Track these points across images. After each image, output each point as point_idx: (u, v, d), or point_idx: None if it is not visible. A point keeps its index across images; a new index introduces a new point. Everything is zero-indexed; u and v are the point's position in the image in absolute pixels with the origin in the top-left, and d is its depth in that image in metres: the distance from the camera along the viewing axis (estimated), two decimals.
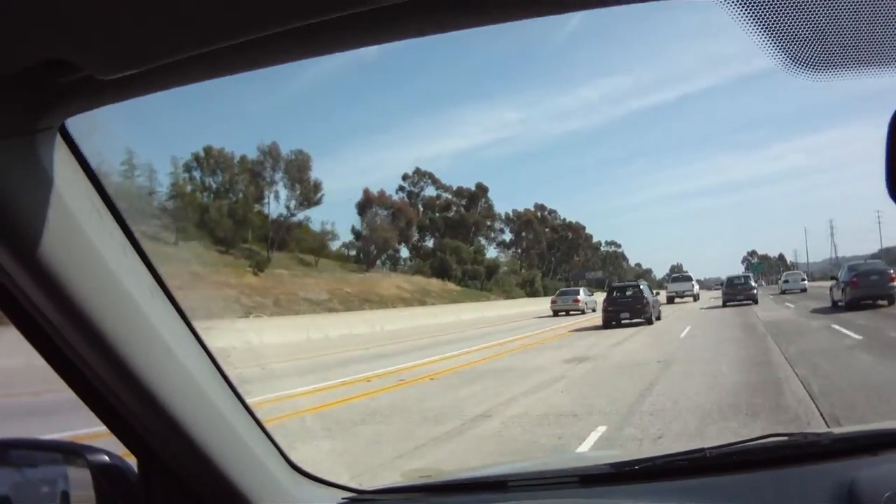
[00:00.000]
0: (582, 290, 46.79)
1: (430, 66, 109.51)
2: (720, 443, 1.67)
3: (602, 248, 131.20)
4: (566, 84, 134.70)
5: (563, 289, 53.80)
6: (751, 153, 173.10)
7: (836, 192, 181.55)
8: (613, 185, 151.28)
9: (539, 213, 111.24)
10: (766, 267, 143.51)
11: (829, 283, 29.86)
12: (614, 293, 29.61)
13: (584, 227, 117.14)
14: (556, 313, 40.35)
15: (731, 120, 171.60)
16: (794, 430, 1.78)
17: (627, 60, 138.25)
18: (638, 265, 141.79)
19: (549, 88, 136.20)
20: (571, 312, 39.95)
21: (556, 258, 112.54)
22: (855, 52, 0.97)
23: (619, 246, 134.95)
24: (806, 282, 51.16)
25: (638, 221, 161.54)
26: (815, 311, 25.95)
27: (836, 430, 1.68)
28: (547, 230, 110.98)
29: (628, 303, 27.87)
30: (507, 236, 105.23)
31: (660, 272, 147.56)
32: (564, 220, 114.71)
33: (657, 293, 37.75)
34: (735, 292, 37.42)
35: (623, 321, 27.02)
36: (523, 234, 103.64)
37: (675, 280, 52.92)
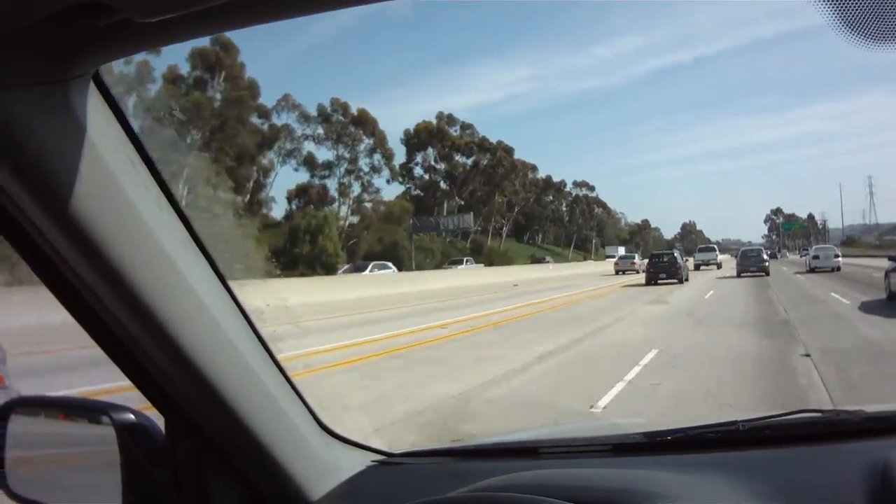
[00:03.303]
0: (636, 255, 61.77)
1: (443, 20, 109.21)
2: (752, 416, 1.65)
3: (570, 191, 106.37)
4: (580, 42, 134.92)
5: (623, 254, 69.20)
6: (769, 117, 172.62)
7: (862, 158, 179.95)
8: (625, 145, 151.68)
9: (437, 125, 79.32)
10: (798, 226, 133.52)
11: (863, 261, 27.11)
12: (654, 259, 40.03)
13: (511, 150, 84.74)
14: (617, 272, 53.49)
15: (748, 83, 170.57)
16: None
17: (642, 19, 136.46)
18: (645, 221, 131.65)
19: (563, 46, 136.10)
20: (628, 272, 52.55)
21: (464, 197, 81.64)
22: None
23: (592, 189, 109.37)
24: (840, 258, 42.49)
25: (649, 181, 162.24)
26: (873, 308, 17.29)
27: (868, 409, 1.63)
28: (454, 152, 79.87)
29: (665, 266, 38.17)
30: (325, 152, 70.56)
31: (669, 231, 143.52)
32: (484, 138, 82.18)
33: (686, 260, 46.14)
34: (748, 264, 41.52)
35: (661, 280, 36.91)
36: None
37: (700, 250, 62.38)
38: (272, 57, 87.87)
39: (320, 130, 68.66)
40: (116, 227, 1.10)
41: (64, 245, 1.09)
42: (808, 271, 41.75)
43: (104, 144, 1.07)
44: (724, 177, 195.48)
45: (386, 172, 73.16)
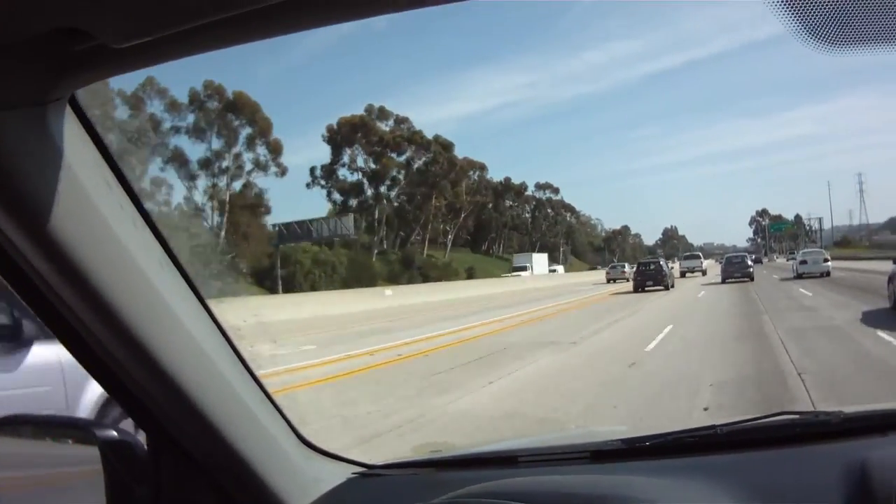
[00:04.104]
0: (626, 265, 61.54)
1: (438, 28, 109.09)
2: (731, 420, 1.66)
3: (533, 194, 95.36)
4: (575, 47, 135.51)
5: (614, 263, 71.01)
6: (756, 120, 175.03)
7: (848, 160, 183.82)
8: (614, 151, 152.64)
9: (360, 119, 68.01)
10: (789, 225, 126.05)
11: (854, 263, 24.63)
12: (641, 267, 41.47)
13: (450, 146, 74.01)
14: (608, 281, 56.02)
15: (740, 86, 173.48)
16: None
17: (635, 24, 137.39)
18: (624, 227, 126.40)
19: (557, 52, 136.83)
20: (619, 280, 54.49)
21: (400, 201, 72.86)
22: (873, 26, 0.95)
23: (556, 191, 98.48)
24: (829, 263, 38.90)
25: (632, 187, 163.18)
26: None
27: (847, 410, 1.63)
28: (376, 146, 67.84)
29: (651, 273, 39.36)
30: (200, 147, 56.50)
31: (650, 237, 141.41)
32: (416, 132, 70.91)
33: (671, 267, 47.19)
34: (733, 270, 41.52)
35: (647, 287, 38.02)
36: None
37: (686, 258, 63.90)
38: (267, 72, 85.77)
39: (191, 120, 55.49)
40: (93, 246, 1.12)
41: (42, 264, 1.11)
42: (796, 277, 38.47)
43: (80, 166, 1.09)
44: (710, 181, 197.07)
45: (274, 169, 60.54)
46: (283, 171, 60.50)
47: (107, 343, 1.22)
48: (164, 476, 1.44)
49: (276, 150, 58.63)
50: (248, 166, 58.69)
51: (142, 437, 1.46)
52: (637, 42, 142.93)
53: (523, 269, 76.73)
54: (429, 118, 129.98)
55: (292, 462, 1.58)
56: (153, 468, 1.44)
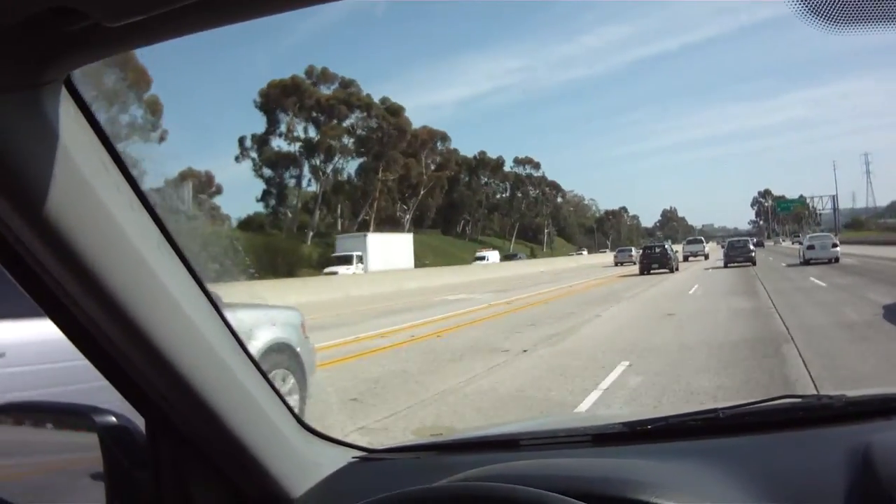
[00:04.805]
0: (633, 249, 63.41)
1: (432, 13, 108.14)
2: (733, 403, 1.66)
3: (513, 170, 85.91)
4: (569, 31, 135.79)
5: (622, 247, 70.90)
6: (755, 103, 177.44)
7: (847, 142, 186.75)
8: (612, 135, 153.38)
9: (292, 81, 60.01)
10: (798, 202, 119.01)
11: (855, 249, 24.59)
12: (647, 250, 43.55)
13: (398, 110, 65.18)
14: (616, 264, 57.47)
15: (735, 70, 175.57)
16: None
17: (631, 7, 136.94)
18: (622, 209, 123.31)
19: (551, 36, 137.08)
20: (626, 263, 55.69)
21: (351, 174, 64.28)
22: (875, 5, 0.95)
23: (537, 167, 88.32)
24: (838, 248, 36.97)
25: (631, 171, 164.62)
26: None
27: (850, 393, 1.64)
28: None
29: (657, 257, 41.72)
30: None
31: (649, 219, 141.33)
32: (353, 93, 62.12)
33: (676, 251, 48.87)
34: (735, 254, 42.70)
35: (653, 270, 40.45)
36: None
37: (689, 242, 65.71)
38: (255, 56, 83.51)
39: None
40: (90, 229, 1.11)
41: (39, 248, 1.10)
42: (803, 263, 36.11)
43: (77, 148, 1.08)
44: (709, 163, 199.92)
45: (155, 135, 51.99)
46: (161, 137, 52.76)
47: (104, 327, 1.21)
48: (163, 461, 1.44)
49: (153, 110, 50.31)
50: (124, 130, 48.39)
51: (140, 423, 1.45)
52: (632, 25, 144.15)
53: (347, 261, 49.68)
54: (424, 103, 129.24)
55: (292, 446, 1.57)
56: (152, 453, 1.44)
